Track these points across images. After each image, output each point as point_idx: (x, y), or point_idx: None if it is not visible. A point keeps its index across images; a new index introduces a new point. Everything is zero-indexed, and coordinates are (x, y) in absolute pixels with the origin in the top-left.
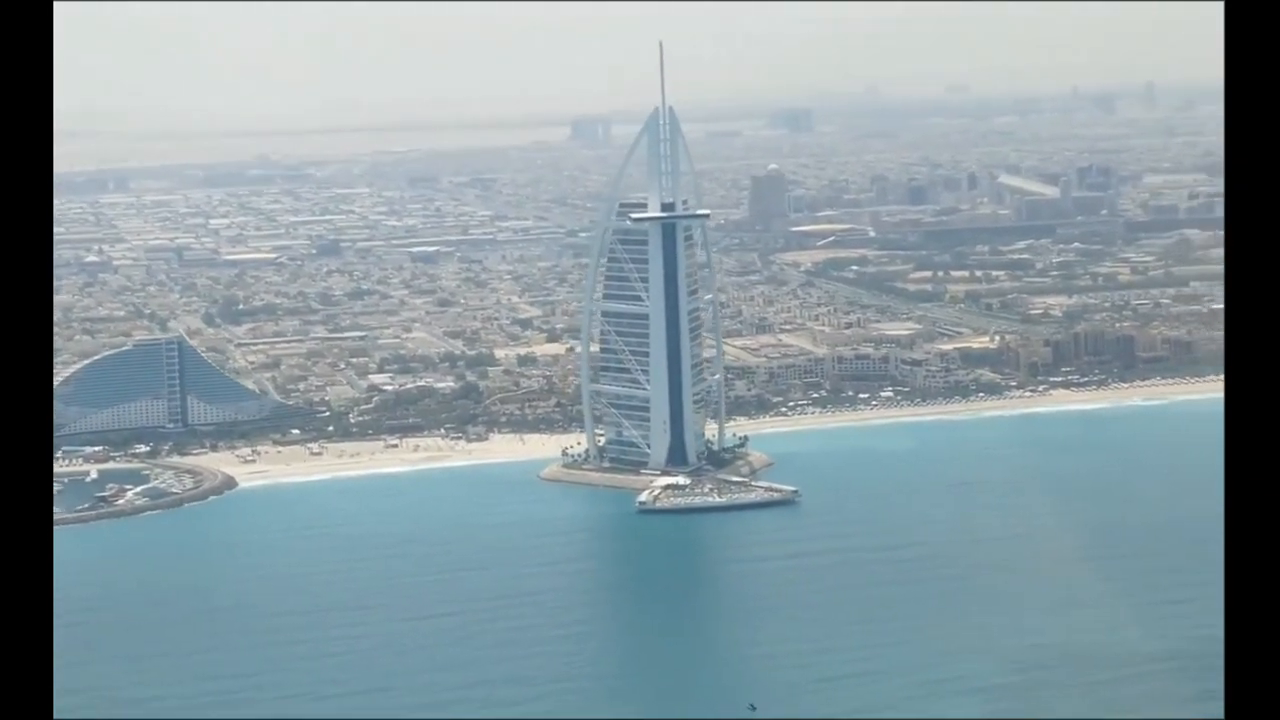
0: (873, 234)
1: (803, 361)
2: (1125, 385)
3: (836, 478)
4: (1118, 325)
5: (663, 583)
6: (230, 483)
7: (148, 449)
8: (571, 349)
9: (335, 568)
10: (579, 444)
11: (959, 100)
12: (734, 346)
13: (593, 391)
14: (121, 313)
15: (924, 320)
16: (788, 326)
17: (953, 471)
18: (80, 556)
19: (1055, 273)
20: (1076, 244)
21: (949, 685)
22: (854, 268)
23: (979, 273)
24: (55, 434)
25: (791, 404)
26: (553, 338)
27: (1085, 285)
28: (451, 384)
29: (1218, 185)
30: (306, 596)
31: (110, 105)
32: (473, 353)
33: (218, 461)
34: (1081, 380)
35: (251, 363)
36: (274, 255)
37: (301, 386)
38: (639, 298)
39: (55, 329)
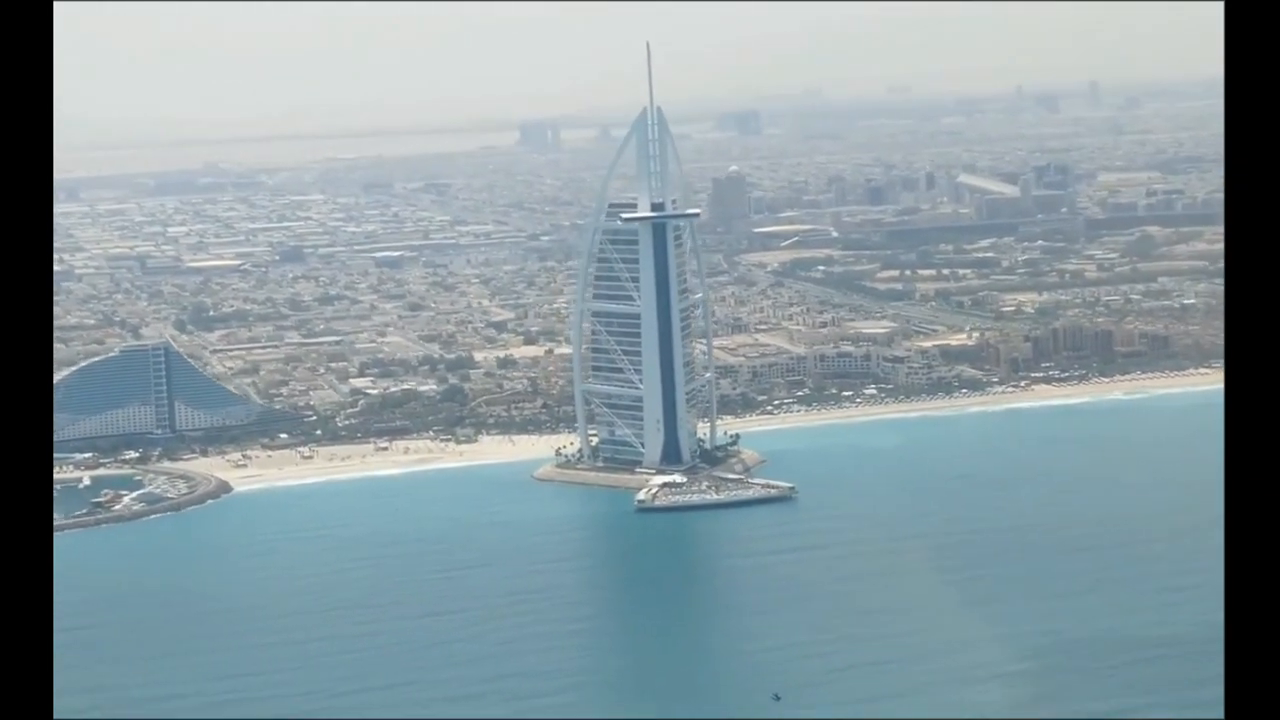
0: (835, 234)
1: (784, 360)
2: (1106, 380)
3: (830, 474)
4: (1095, 321)
5: (670, 578)
6: (225, 487)
7: (137, 455)
8: (550, 351)
9: (339, 568)
10: (571, 444)
11: (902, 101)
12: (701, 347)
13: (584, 391)
14: (91, 321)
15: (898, 318)
16: (763, 326)
17: (944, 466)
18: (82, 562)
19: (1022, 270)
20: (1040, 242)
21: (967, 673)
22: (821, 267)
23: (946, 271)
24: None
25: (776, 402)
26: (529, 340)
27: (1054, 282)
28: (434, 387)
29: (1172, 183)
30: (314, 596)
31: (57, 114)
32: (452, 356)
33: (209, 466)
34: (1062, 375)
35: (230, 368)
36: (238, 262)
37: (284, 391)
38: (630, 297)
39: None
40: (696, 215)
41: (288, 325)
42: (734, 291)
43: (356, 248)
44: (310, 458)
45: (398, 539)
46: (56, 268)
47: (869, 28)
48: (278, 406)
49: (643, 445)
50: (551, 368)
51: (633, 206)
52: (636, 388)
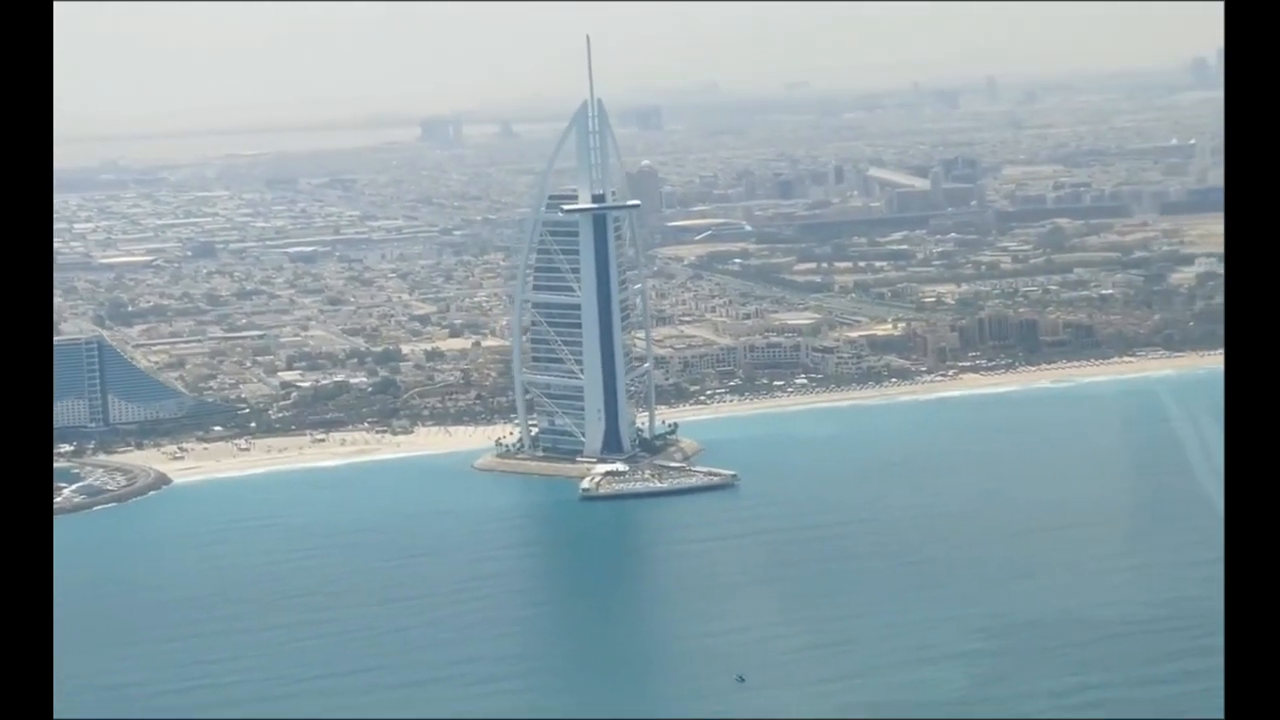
0: (748, 228)
1: (714, 351)
2: (1032, 368)
3: (769, 462)
4: (1019, 311)
5: (622, 564)
6: (164, 479)
7: (72, 448)
8: (478, 343)
9: (289, 557)
10: (511, 434)
11: (799, 97)
12: (639, 338)
13: (524, 381)
14: None
15: (820, 310)
16: (687, 318)
17: (881, 454)
18: None
19: (938, 262)
20: (953, 234)
21: (923, 653)
22: (737, 260)
23: (862, 263)
24: None
25: (709, 392)
26: (455, 333)
27: (970, 274)
28: (365, 379)
29: (1077, 176)
30: (267, 585)
31: None
32: (379, 349)
33: (145, 459)
34: (989, 364)
35: (155, 363)
36: (149, 258)
37: (213, 385)
38: (570, 288)
39: None
40: (638, 206)
41: (208, 320)
42: (655, 285)
43: (268, 243)
44: (247, 450)
45: (345, 528)
46: None
47: (761, 25)
48: (209, 400)
49: (583, 435)
50: (482, 360)
51: (573, 198)
52: (577, 378)
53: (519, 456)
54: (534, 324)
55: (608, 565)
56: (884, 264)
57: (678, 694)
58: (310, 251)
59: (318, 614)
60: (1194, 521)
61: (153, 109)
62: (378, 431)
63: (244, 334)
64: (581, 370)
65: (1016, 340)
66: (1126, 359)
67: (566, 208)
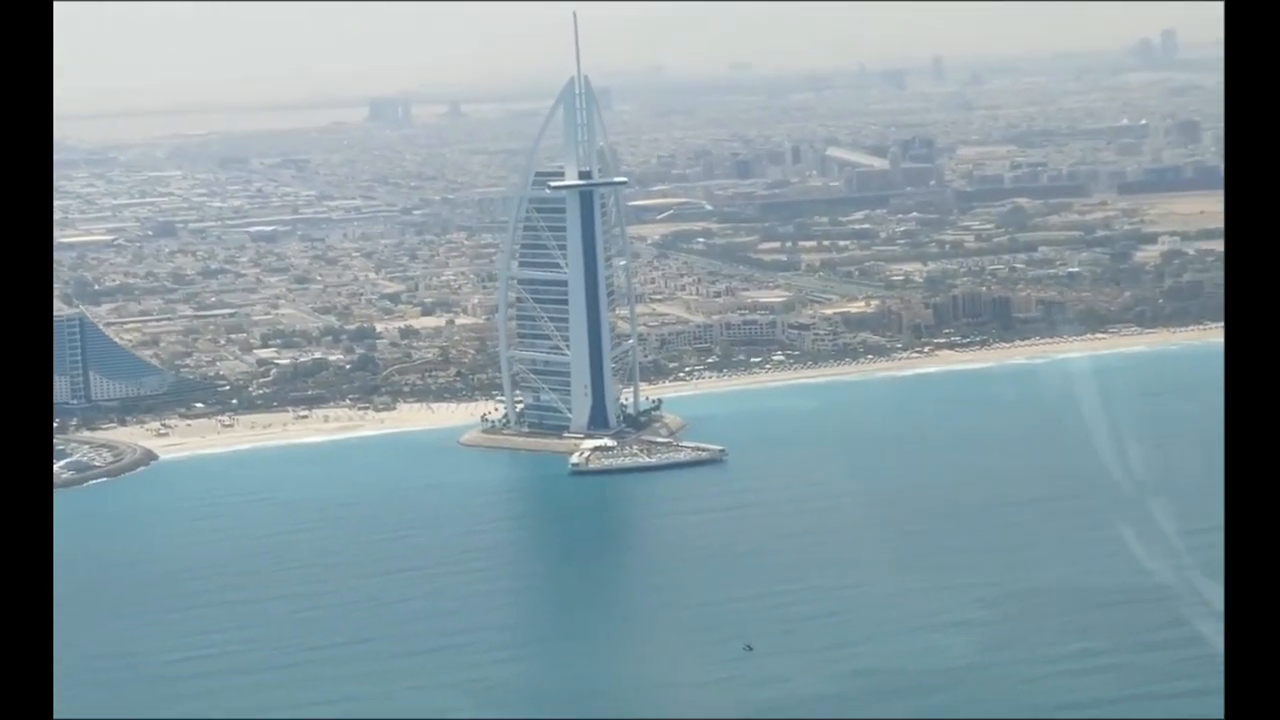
0: (709, 207)
1: (690, 328)
2: (1006, 345)
3: (754, 436)
4: (991, 289)
5: (617, 537)
6: (150, 455)
7: (55, 424)
8: (452, 321)
9: (284, 531)
10: (496, 410)
11: (745, 78)
12: (622, 316)
13: (509, 357)
14: None
15: (790, 288)
16: (658, 296)
17: (864, 428)
18: None
19: (902, 241)
20: (915, 214)
21: (926, 620)
22: (700, 240)
23: (826, 242)
24: None
25: (688, 369)
26: (426, 311)
27: (936, 252)
28: (343, 357)
29: (1032, 156)
30: (264, 558)
31: None
32: (353, 327)
33: (129, 435)
34: (964, 341)
35: (129, 341)
36: (110, 237)
37: (189, 362)
38: (557, 265)
39: None
40: (624, 184)
41: (176, 298)
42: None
43: (227, 222)
44: (231, 426)
45: (336, 503)
46: None
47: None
48: (189, 377)
49: (569, 410)
50: (458, 337)
51: (561, 175)
52: (563, 353)
53: (505, 432)
54: (519, 300)
55: (602, 538)
56: (848, 243)
57: (686, 662)
58: (271, 231)
59: (317, 586)
60: (1178, 493)
61: (98, 87)
62: (360, 408)
63: (215, 312)
64: (567, 346)
65: (990, 317)
66: (1099, 335)
67: (553, 185)
